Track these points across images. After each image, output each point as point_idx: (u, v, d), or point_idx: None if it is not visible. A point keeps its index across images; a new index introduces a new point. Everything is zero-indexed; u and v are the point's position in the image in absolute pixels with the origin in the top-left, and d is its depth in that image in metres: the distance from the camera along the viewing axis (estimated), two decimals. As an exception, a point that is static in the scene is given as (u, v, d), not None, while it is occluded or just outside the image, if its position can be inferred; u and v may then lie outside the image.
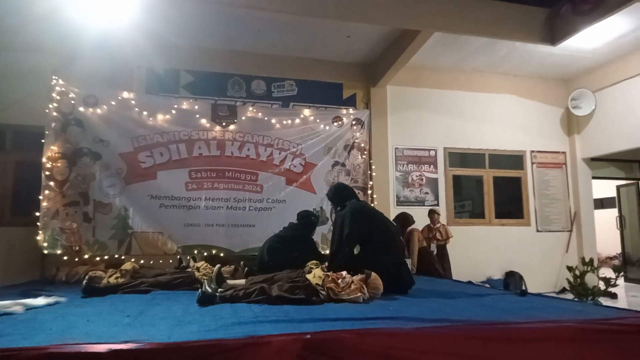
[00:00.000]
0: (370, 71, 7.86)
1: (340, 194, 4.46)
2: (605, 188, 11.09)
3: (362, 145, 6.88)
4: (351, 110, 7.05)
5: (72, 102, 5.72)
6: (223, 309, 3.00)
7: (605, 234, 10.54)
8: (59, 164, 5.56)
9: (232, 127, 6.30)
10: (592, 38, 6.94)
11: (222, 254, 5.96)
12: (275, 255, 4.67)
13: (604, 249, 11.67)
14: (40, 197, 5.43)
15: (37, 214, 5.41)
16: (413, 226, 6.36)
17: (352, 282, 3.49)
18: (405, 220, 6.33)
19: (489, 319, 2.63)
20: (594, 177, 8.84)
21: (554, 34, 6.58)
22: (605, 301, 6.63)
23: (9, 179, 6.43)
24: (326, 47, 7.25)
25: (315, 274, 3.59)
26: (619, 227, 10.23)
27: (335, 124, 6.78)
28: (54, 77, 5.70)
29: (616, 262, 11.36)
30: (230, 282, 3.96)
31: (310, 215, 5.31)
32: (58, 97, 5.67)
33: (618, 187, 10.37)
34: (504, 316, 2.78)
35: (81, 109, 5.74)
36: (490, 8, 6.34)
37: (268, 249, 4.82)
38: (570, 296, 6.92)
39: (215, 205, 6.09)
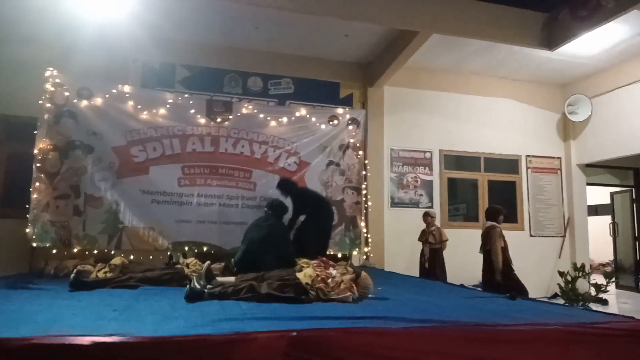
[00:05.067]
0: (367, 71, 7.85)
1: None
2: (600, 195, 11.12)
3: (358, 145, 6.84)
4: (347, 110, 7.02)
5: (66, 93, 5.66)
6: (211, 305, 2.99)
7: (599, 240, 10.56)
8: (50, 156, 5.51)
9: (227, 123, 6.26)
10: (590, 44, 6.97)
11: (213, 251, 5.91)
12: (263, 257, 4.49)
13: (597, 256, 11.69)
14: (31, 189, 5.37)
15: (27, 206, 5.35)
16: (491, 222, 5.65)
17: (342, 281, 3.48)
18: (490, 213, 5.82)
19: (476, 321, 2.63)
20: (588, 184, 8.87)
21: (551, 39, 6.58)
22: (595, 307, 6.64)
23: (-1, 170, 6.38)
24: (324, 45, 7.23)
25: (306, 273, 3.56)
26: (612, 234, 10.25)
27: (331, 123, 6.74)
28: (48, 68, 5.65)
29: (608, 269, 11.38)
30: (219, 279, 3.92)
31: (278, 203, 5.20)
32: (52, 89, 5.62)
33: (612, 194, 10.39)
34: (491, 318, 2.78)
35: (75, 101, 5.69)
36: (488, 11, 6.34)
37: (257, 252, 4.58)
38: (561, 301, 6.92)
39: (208, 202, 6.04)
